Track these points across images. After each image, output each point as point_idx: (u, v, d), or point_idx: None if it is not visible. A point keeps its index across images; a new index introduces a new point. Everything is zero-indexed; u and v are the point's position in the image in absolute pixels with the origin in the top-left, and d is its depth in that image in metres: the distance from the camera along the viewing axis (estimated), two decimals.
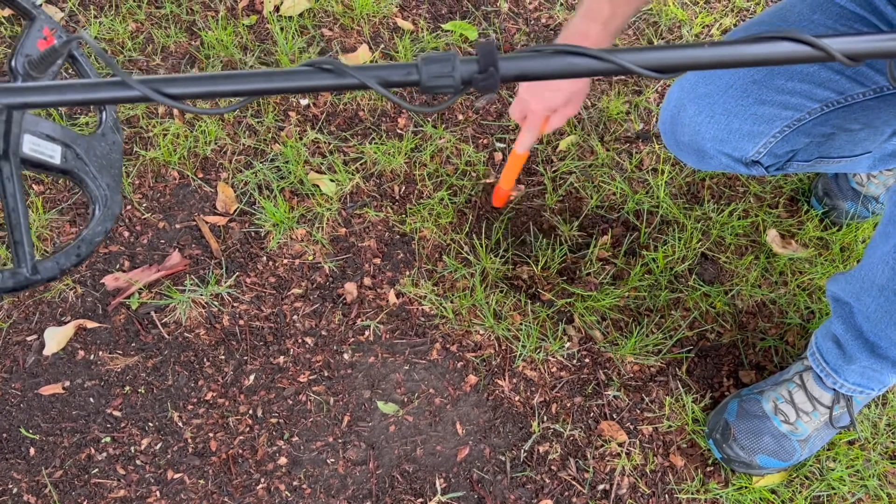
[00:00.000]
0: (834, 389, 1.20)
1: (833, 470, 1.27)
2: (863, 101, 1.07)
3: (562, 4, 1.79)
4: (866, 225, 1.47)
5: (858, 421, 1.30)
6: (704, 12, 1.79)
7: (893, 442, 1.31)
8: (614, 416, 1.33)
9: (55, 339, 1.35)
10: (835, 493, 1.26)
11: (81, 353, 1.35)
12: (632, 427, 1.32)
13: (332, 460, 1.28)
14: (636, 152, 1.58)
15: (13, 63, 0.65)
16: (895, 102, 1.04)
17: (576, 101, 1.12)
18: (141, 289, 1.40)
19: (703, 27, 1.76)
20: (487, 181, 1.53)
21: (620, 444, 1.30)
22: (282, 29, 1.70)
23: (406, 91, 1.65)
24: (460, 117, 1.62)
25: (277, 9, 1.75)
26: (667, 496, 1.26)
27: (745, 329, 1.41)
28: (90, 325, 1.37)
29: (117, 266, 1.43)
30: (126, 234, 1.47)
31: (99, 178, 0.67)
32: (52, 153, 0.64)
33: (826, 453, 1.28)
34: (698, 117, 1.08)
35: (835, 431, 1.25)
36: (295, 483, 1.26)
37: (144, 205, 1.50)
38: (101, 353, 1.35)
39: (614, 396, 1.34)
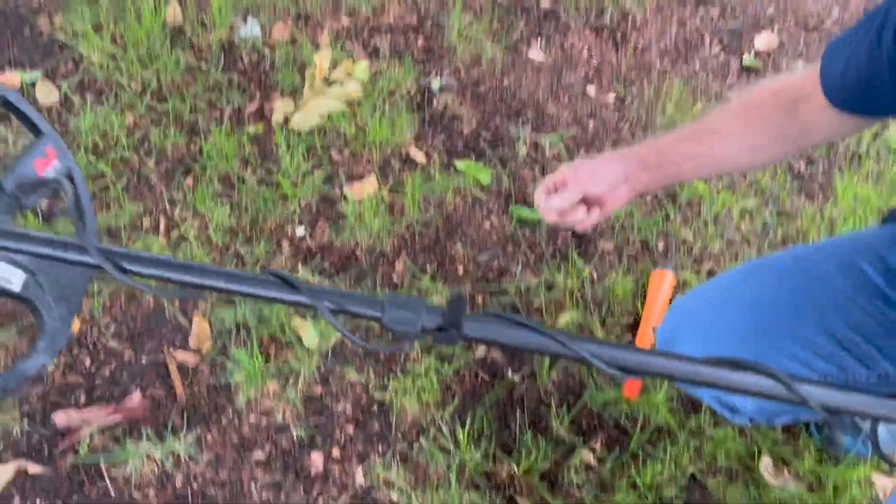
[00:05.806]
0: None
1: None
2: (865, 382, 1.02)
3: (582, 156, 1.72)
4: (863, 466, 1.41)
5: None
6: (727, 190, 1.72)
7: None
8: None
9: None
10: None
11: (18, 499, 1.25)
12: None
13: None
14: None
15: (3, 181, 0.62)
16: None
17: (611, 203, 1.01)
18: (93, 433, 1.30)
19: (724, 205, 1.70)
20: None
21: None
22: (288, 146, 1.61)
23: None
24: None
25: (287, 120, 1.66)
26: None
27: None
28: (33, 469, 1.26)
29: (72, 398, 1.33)
30: (88, 361, 1.37)
31: (54, 309, 0.61)
32: (12, 278, 0.58)
33: None
34: (692, 353, 1.02)
35: None
36: None
37: (112, 329, 1.40)
38: (39, 500, 1.25)
39: None
